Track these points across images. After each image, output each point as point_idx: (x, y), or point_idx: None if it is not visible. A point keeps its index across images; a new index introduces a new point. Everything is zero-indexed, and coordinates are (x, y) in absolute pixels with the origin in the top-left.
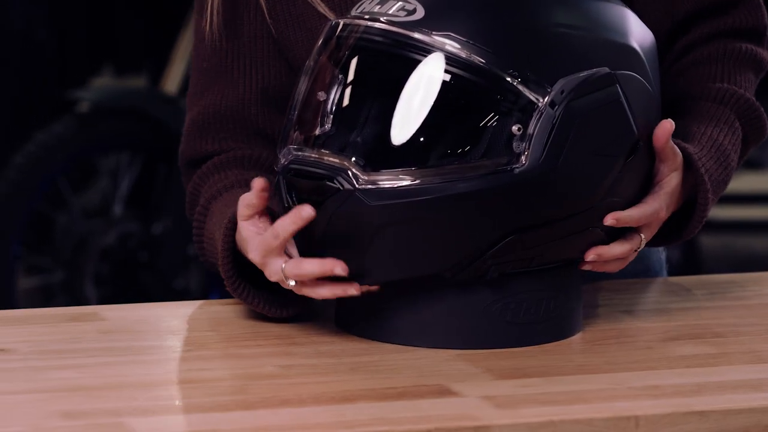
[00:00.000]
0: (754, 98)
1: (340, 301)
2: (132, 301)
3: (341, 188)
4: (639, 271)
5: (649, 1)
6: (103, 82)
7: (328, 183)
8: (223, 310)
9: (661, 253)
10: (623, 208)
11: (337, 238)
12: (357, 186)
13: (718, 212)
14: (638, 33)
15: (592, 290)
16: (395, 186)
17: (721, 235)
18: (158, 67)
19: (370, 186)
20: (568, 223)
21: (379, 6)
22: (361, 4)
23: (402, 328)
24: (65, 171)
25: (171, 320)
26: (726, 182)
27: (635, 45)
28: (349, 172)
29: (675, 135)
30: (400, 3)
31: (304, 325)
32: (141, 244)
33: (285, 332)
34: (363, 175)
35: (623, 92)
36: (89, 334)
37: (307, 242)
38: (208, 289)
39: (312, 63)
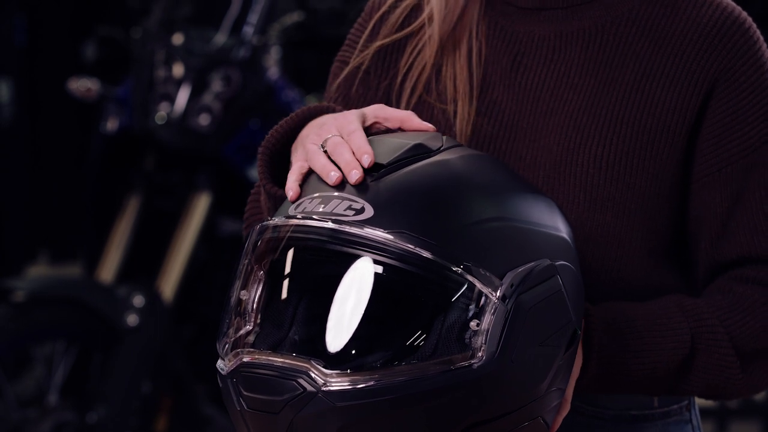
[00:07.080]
0: (728, 341)
1: None
2: None
3: (304, 390)
4: None
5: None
6: (39, 270)
7: (289, 383)
8: None
9: None
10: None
11: None
12: (321, 387)
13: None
14: (564, 223)
15: None
16: (358, 387)
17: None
18: (94, 255)
19: (333, 387)
20: (518, 414)
21: (323, 206)
22: (301, 203)
23: None
24: (0, 359)
25: None
26: (626, 369)
27: (565, 235)
28: (311, 373)
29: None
30: (346, 202)
31: None
32: None
33: None
34: (325, 376)
35: (562, 283)
36: None
37: None
38: None
39: (255, 266)
